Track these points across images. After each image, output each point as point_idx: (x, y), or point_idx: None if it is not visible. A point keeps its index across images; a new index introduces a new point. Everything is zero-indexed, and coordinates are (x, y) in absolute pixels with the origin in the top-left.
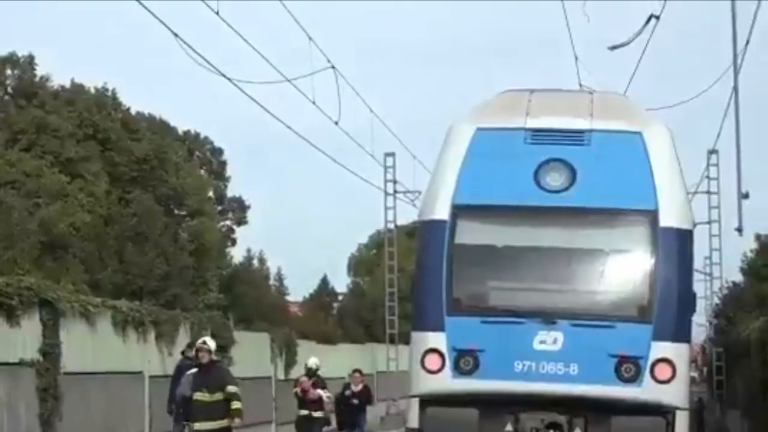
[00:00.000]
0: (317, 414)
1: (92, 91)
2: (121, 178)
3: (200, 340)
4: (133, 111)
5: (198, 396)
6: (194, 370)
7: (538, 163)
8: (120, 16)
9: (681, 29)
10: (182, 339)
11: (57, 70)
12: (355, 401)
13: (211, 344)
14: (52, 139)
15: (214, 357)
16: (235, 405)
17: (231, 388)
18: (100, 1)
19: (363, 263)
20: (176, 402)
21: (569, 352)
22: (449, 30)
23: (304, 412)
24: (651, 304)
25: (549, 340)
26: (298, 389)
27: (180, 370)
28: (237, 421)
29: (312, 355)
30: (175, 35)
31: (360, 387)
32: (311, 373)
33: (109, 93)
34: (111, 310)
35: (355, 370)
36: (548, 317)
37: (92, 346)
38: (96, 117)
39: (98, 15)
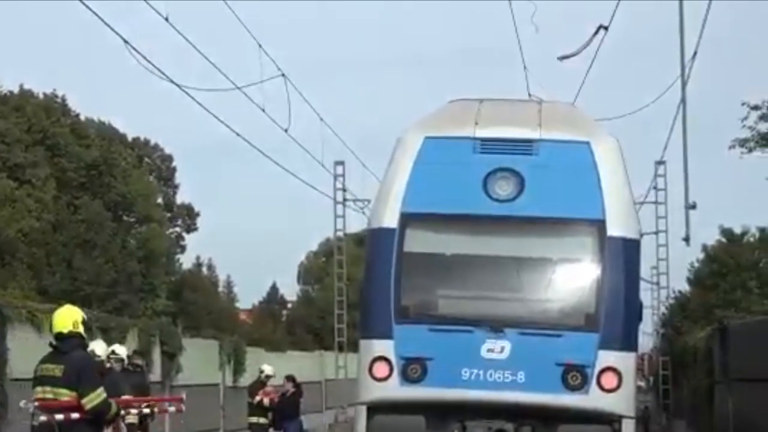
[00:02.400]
0: (265, 420)
1: (41, 96)
2: (69, 184)
3: (109, 350)
4: (82, 117)
5: None
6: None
7: (486, 172)
8: (69, 22)
9: (630, 40)
10: (130, 346)
11: (5, 76)
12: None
13: (120, 352)
14: (0, 145)
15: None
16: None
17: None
18: (49, 5)
19: (312, 271)
20: None
21: (516, 361)
22: (399, 40)
23: (255, 419)
24: (598, 313)
25: (496, 348)
26: (266, 399)
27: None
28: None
29: (263, 362)
30: (125, 41)
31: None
32: (267, 379)
33: (59, 99)
34: None
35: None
36: (496, 326)
37: (40, 352)
38: (45, 123)
39: (47, 20)
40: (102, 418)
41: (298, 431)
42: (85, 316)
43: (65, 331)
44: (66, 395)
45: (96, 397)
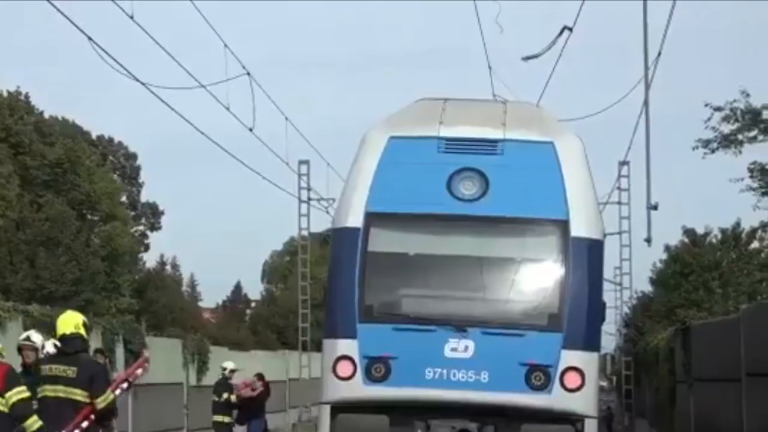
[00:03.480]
0: (229, 419)
1: (4, 94)
2: (33, 181)
3: (23, 336)
4: (46, 115)
5: None
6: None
7: (451, 171)
8: (34, 19)
9: (595, 41)
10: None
11: None
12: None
13: (36, 339)
14: None
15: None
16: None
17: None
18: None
19: (276, 270)
20: None
21: (480, 360)
22: (364, 39)
23: (219, 418)
24: (561, 313)
25: (460, 347)
26: (244, 391)
27: None
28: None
29: (227, 360)
30: (89, 38)
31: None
32: (232, 374)
33: (22, 97)
34: (22, 314)
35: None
36: (459, 325)
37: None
38: (8, 120)
39: (10, 18)
40: (107, 417)
41: (262, 430)
42: (86, 320)
43: (68, 332)
44: (79, 395)
45: (107, 397)
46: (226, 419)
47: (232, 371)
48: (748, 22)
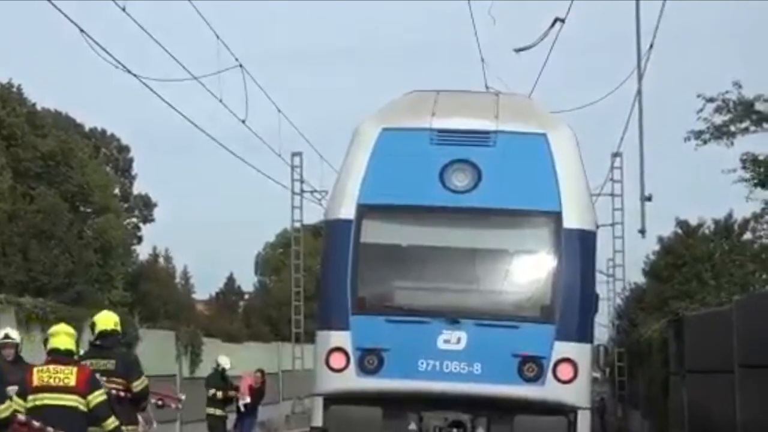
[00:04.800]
0: (221, 412)
1: None
2: (25, 174)
3: (0, 335)
4: (38, 107)
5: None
6: None
7: (443, 163)
8: (26, 10)
9: (587, 33)
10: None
11: None
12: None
13: (15, 336)
14: None
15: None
16: None
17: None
18: None
19: (270, 262)
20: None
21: (473, 352)
22: (356, 31)
23: (212, 410)
24: (554, 305)
25: (453, 339)
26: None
27: None
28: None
29: (220, 354)
30: (81, 31)
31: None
32: (224, 372)
33: (15, 88)
34: (15, 306)
35: (257, 371)
36: (452, 317)
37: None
38: (0, 112)
39: (2, 10)
40: (143, 400)
41: (253, 424)
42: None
43: (108, 329)
44: (119, 383)
45: (142, 382)
46: (218, 412)
47: (224, 370)
48: (741, 13)
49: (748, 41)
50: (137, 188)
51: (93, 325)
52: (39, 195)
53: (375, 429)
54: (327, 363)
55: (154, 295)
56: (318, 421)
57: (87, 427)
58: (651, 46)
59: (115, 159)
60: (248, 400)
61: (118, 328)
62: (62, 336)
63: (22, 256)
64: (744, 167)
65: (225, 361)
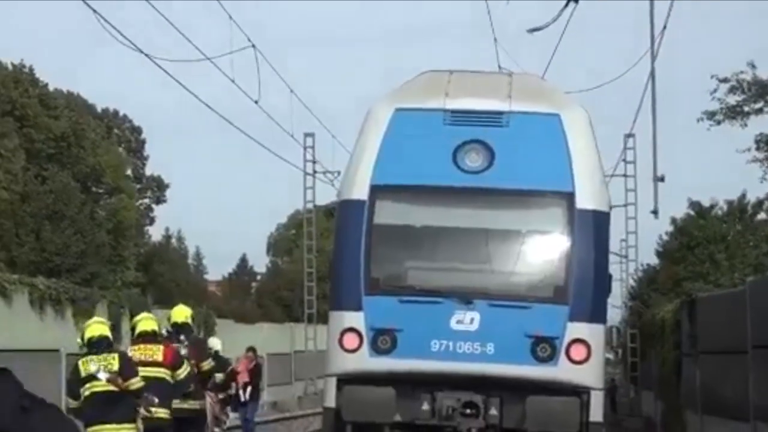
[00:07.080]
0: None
1: (9, 67)
2: (38, 155)
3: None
4: (51, 88)
5: None
6: None
7: (456, 144)
8: None
9: (601, 13)
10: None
11: None
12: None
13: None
14: None
15: None
16: None
17: None
18: None
19: (282, 243)
20: None
21: (486, 332)
22: (370, 13)
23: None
24: (567, 286)
25: (466, 319)
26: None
27: None
28: None
29: (234, 334)
30: (94, 11)
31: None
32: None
33: (27, 69)
34: (28, 287)
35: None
36: (465, 297)
37: (9, 323)
38: (13, 93)
39: None
40: (186, 386)
41: (256, 407)
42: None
43: (180, 321)
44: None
45: (184, 370)
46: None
47: (217, 352)
48: None
49: (763, 21)
50: (150, 169)
51: (168, 318)
52: (51, 176)
53: (388, 409)
54: (340, 343)
55: (167, 276)
56: (331, 401)
57: (172, 395)
58: (664, 27)
59: (128, 140)
60: (247, 380)
61: (190, 321)
62: (147, 320)
63: (35, 237)
64: (758, 148)
65: (216, 343)
